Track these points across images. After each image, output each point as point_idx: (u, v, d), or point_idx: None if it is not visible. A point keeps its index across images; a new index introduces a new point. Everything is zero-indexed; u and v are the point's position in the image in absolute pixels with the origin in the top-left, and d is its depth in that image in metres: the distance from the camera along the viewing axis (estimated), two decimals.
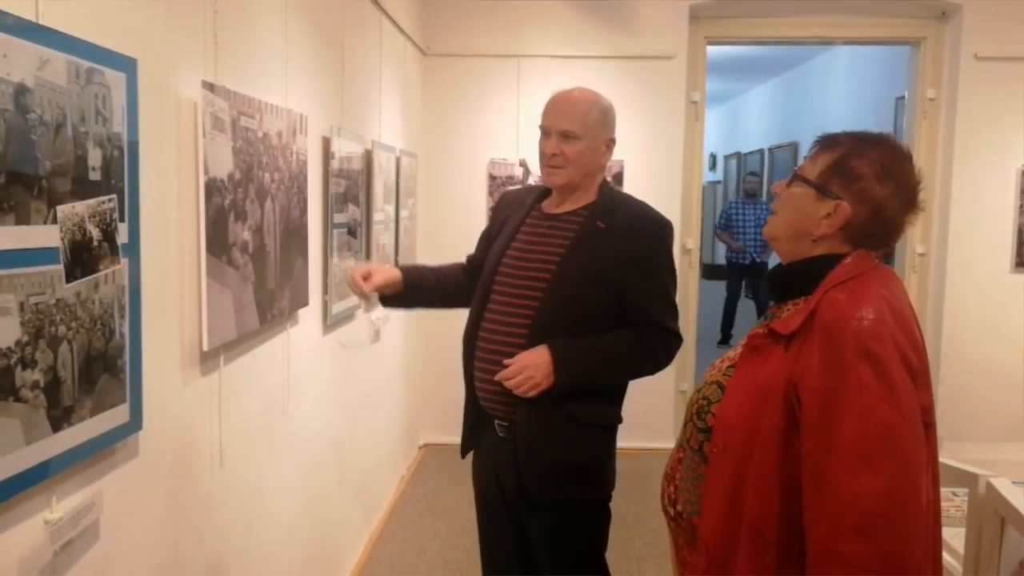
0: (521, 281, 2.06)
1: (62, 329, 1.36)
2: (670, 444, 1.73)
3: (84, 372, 1.43)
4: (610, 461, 2.12)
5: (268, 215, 2.31)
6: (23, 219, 1.26)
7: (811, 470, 1.27)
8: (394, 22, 4.05)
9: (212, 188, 1.92)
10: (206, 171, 1.88)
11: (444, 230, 4.80)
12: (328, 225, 2.95)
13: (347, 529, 3.41)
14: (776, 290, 1.52)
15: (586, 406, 2.03)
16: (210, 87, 1.89)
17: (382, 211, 3.76)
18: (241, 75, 2.16)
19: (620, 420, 2.14)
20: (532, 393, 1.96)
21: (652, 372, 2.08)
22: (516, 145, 4.83)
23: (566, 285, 2.00)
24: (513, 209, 2.24)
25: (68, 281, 1.37)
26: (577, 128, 2.02)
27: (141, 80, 1.64)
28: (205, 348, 1.91)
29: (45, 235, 1.31)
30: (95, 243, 1.45)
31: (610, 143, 2.10)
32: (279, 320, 2.47)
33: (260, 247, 2.25)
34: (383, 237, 3.81)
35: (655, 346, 2.05)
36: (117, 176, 1.52)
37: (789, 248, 1.49)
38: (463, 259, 2.39)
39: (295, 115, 2.50)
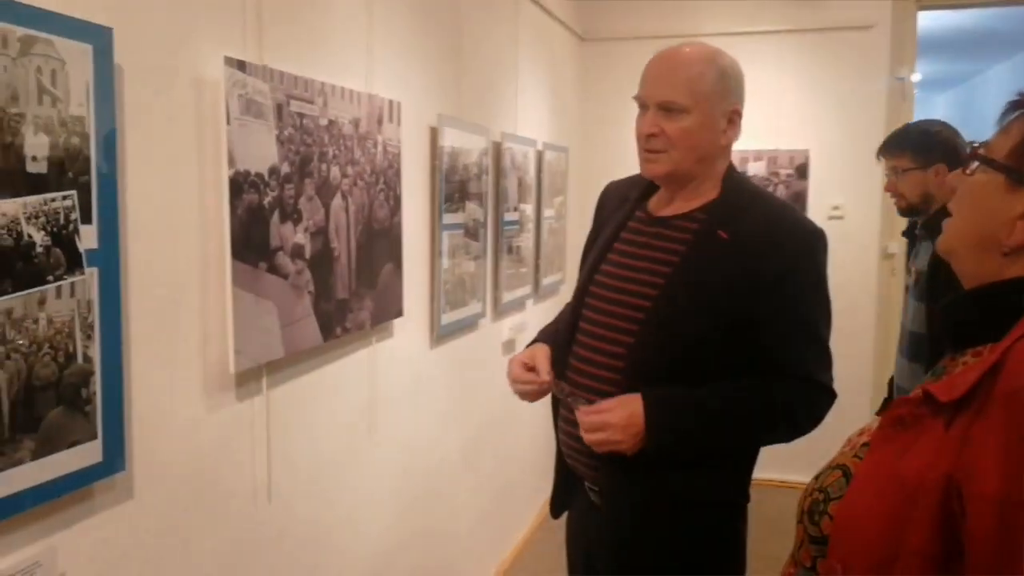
0: (614, 307, 1.57)
1: None
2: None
3: (22, 405, 1.18)
4: (734, 550, 1.58)
5: (337, 215, 2.01)
6: None
7: None
8: (540, 4, 3.67)
9: (242, 184, 1.64)
10: (232, 163, 1.60)
11: None
12: (436, 226, 2.63)
13: (460, 570, 3.09)
14: (950, 332, 0.96)
15: (695, 477, 1.51)
16: (238, 65, 1.61)
17: (516, 211, 3.40)
18: (297, 53, 1.87)
19: (747, 498, 1.59)
20: (614, 451, 1.49)
21: (789, 439, 1.52)
22: None
23: (672, 315, 1.49)
24: (614, 207, 1.75)
25: None
26: (682, 97, 1.49)
27: (134, 55, 1.38)
28: (232, 370, 1.64)
29: None
30: (38, 249, 1.19)
31: (734, 116, 1.54)
32: (358, 334, 2.17)
33: (324, 251, 1.95)
34: (519, 239, 3.45)
35: (795, 406, 1.50)
36: (78, 169, 1.26)
37: (971, 266, 0.94)
38: None
39: (380, 101, 2.19)
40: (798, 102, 4.11)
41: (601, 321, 1.58)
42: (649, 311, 1.50)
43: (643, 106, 1.56)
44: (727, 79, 1.53)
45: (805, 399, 1.50)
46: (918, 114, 4.04)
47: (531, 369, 1.63)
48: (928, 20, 4.40)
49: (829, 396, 1.52)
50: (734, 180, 1.59)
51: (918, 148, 2.46)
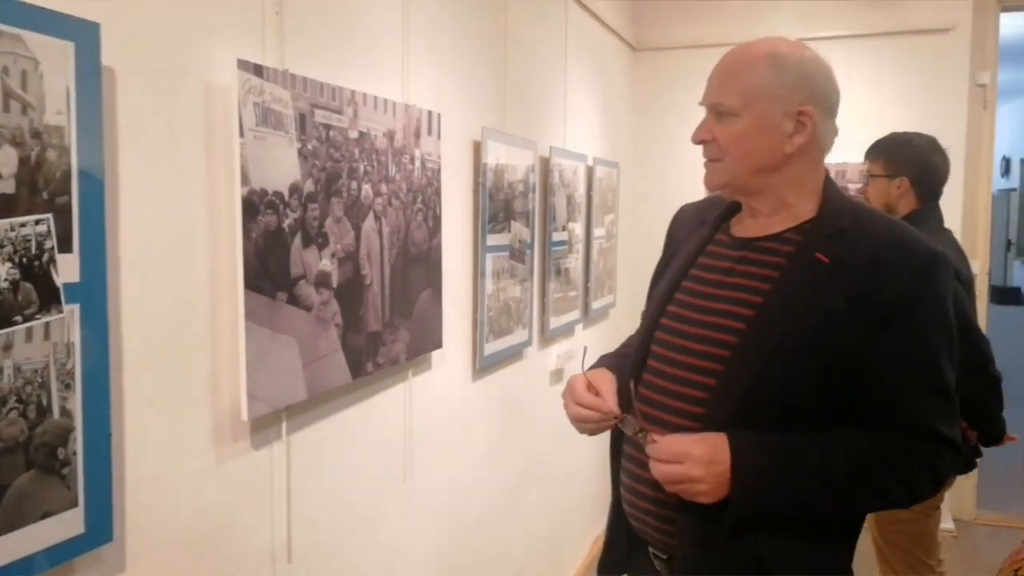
0: (692, 343, 1.33)
1: None
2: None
3: None
4: None
5: (369, 238, 1.80)
6: None
7: None
8: (591, 12, 3.45)
9: (258, 204, 1.44)
10: (245, 181, 1.40)
11: (654, 252, 4.11)
12: (479, 248, 2.41)
13: None
14: None
15: (790, 545, 1.25)
16: (254, 69, 1.41)
17: (564, 230, 3.16)
18: (323, 58, 1.68)
19: (849, 572, 1.32)
20: (689, 493, 1.23)
21: (904, 503, 1.26)
22: None
23: (763, 353, 1.24)
24: (690, 230, 1.51)
25: None
26: (731, 98, 1.28)
27: (129, 55, 1.19)
28: (244, 417, 1.43)
29: None
30: (3, 284, 1.00)
31: (802, 116, 1.27)
32: (392, 369, 1.96)
33: (353, 279, 1.74)
34: (567, 261, 3.22)
35: (912, 464, 1.24)
36: (55, 187, 1.06)
37: None
38: None
39: (418, 112, 1.99)
40: (869, 111, 3.81)
41: (676, 360, 1.34)
42: (736, 348, 1.26)
43: (707, 111, 1.34)
44: (788, 74, 1.27)
45: (926, 457, 1.24)
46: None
47: (595, 395, 1.39)
48: (1007, 26, 4.06)
49: (954, 453, 1.25)
50: (834, 196, 1.34)
51: (890, 157, 2.44)
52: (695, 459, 1.21)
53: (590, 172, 3.46)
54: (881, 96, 3.88)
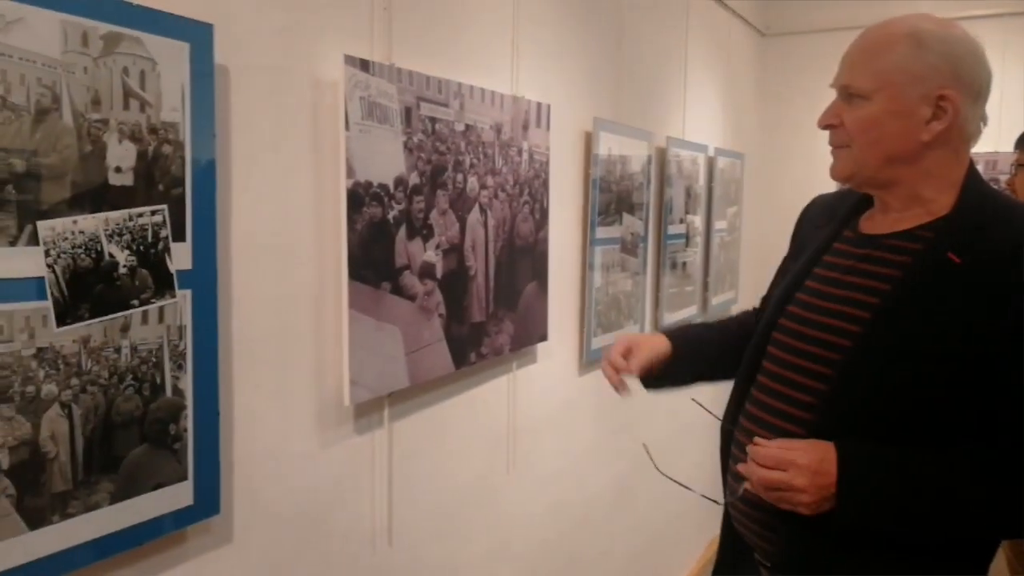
0: (805, 344, 1.25)
1: (49, 388, 1.00)
2: None
3: (99, 444, 1.06)
4: None
5: (474, 230, 1.82)
6: None
7: None
8: None
9: (362, 196, 1.48)
10: (350, 173, 1.45)
11: (781, 246, 3.94)
12: (587, 240, 2.39)
13: None
14: None
15: (905, 567, 1.16)
16: (360, 64, 1.45)
17: (682, 223, 3.09)
18: (431, 52, 1.70)
19: None
20: (788, 503, 1.16)
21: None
22: None
23: (877, 360, 1.15)
24: (818, 224, 1.42)
25: (61, 324, 1.01)
26: (861, 79, 1.18)
27: (241, 54, 1.25)
28: (346, 402, 1.48)
29: (10, 261, 0.95)
30: (121, 270, 1.07)
31: (942, 101, 1.15)
32: (495, 360, 1.97)
33: (457, 270, 1.77)
34: (685, 255, 3.14)
35: None
36: (170, 180, 1.13)
37: None
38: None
39: (526, 104, 1.98)
40: None
41: (789, 361, 1.27)
42: (850, 351, 1.18)
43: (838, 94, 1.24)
44: (929, 54, 1.15)
45: None
46: None
47: (625, 356, 1.42)
48: None
49: None
50: (976, 190, 1.21)
51: None
52: (800, 468, 1.13)
53: (711, 163, 3.36)
54: None
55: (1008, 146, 3.80)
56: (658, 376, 1.48)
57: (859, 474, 1.12)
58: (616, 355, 1.43)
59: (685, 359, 1.49)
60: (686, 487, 1.33)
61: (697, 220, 3.25)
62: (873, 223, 1.29)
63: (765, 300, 1.53)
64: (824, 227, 1.39)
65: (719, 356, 1.53)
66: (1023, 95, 3.46)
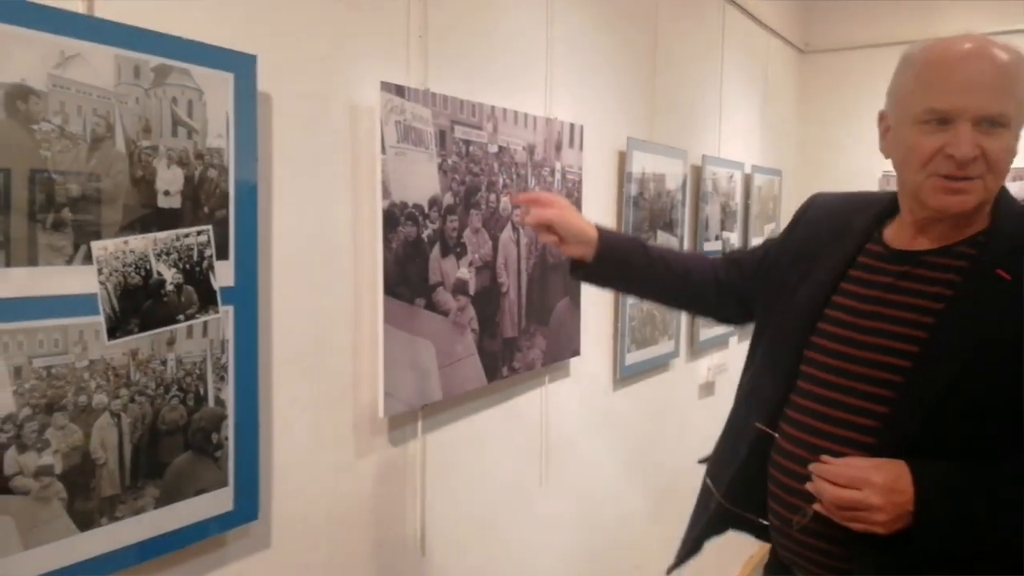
0: (857, 367, 1.22)
1: (100, 398, 1.07)
2: None
3: (146, 451, 1.13)
4: None
5: (507, 248, 1.87)
6: (20, 259, 0.98)
7: None
8: (751, 16, 3.36)
9: (398, 215, 1.54)
10: (386, 195, 1.50)
11: None
12: None
13: None
14: None
15: None
16: (396, 90, 1.51)
17: (718, 239, 3.10)
18: (466, 76, 1.76)
19: None
20: (864, 522, 1.14)
21: None
22: None
23: (941, 379, 1.14)
24: (829, 236, 1.38)
25: (112, 337, 1.07)
26: (1009, 107, 1.14)
27: (283, 82, 1.32)
28: (380, 414, 1.53)
29: (66, 279, 1.03)
30: (168, 287, 1.14)
31: None
32: (528, 374, 2.01)
33: (490, 287, 1.81)
34: None
35: None
36: (215, 202, 1.20)
37: None
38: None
39: (559, 125, 2.03)
40: None
41: (839, 384, 1.24)
42: (910, 373, 1.17)
43: (945, 120, 1.15)
44: None
45: None
46: None
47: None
48: None
49: None
50: (1008, 206, 1.22)
51: None
52: (875, 487, 1.11)
53: (748, 180, 3.37)
54: None
55: None
56: (579, 264, 1.51)
57: (936, 491, 1.11)
58: (543, 208, 1.46)
59: (608, 264, 1.50)
60: (754, 519, 1.30)
61: (733, 237, 3.26)
62: (905, 238, 1.27)
63: (738, 259, 1.57)
64: (840, 240, 1.35)
65: (653, 286, 1.59)
66: None
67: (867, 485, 1.11)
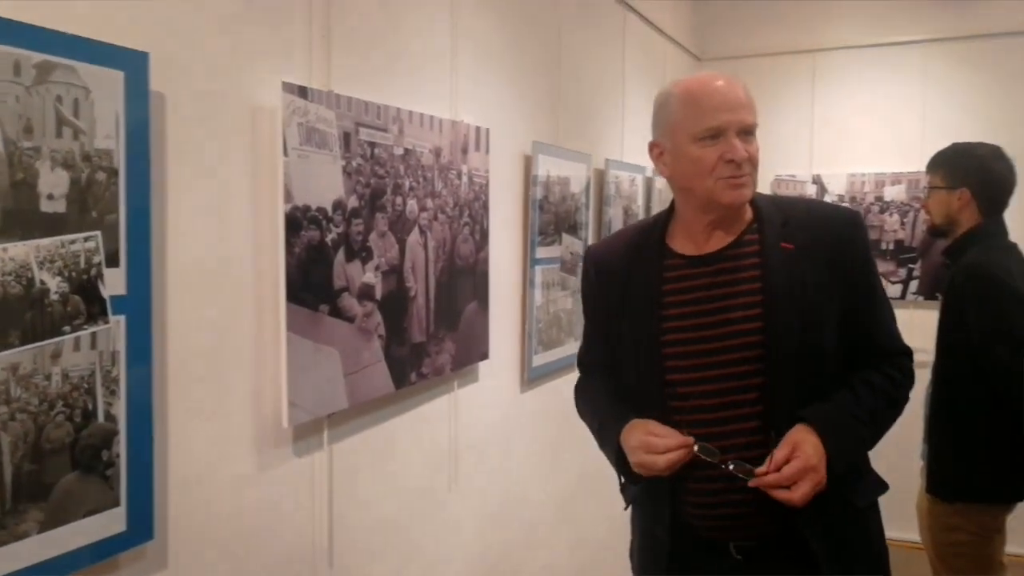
0: (721, 356, 1.43)
1: None
2: None
3: (28, 472, 1.06)
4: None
5: (414, 251, 1.85)
6: None
7: None
8: (651, 23, 3.44)
9: (301, 219, 1.50)
10: (288, 198, 1.46)
11: None
12: (528, 260, 2.44)
13: None
14: None
15: (861, 485, 1.50)
16: (298, 91, 1.47)
17: None
18: (370, 78, 1.73)
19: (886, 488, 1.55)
20: (816, 489, 1.37)
21: (901, 411, 1.52)
22: (809, 158, 3.93)
23: (792, 340, 1.41)
24: (624, 267, 1.53)
25: None
26: (756, 118, 1.45)
27: (179, 82, 1.26)
28: (285, 424, 1.49)
29: None
30: (53, 297, 1.07)
31: None
32: (436, 380, 2.00)
33: (397, 291, 1.79)
34: None
35: (905, 380, 1.51)
36: (104, 207, 1.13)
37: None
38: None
39: (465, 128, 2.03)
40: (947, 119, 3.67)
41: (711, 377, 1.44)
42: (768, 346, 1.41)
43: (717, 134, 1.39)
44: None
45: (908, 371, 1.51)
46: None
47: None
48: None
49: (911, 359, 1.53)
50: (760, 195, 1.52)
51: (950, 167, 2.34)
52: (816, 468, 1.34)
53: (649, 183, 3.45)
54: (958, 105, 3.73)
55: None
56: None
57: (838, 440, 1.38)
58: (662, 441, 1.42)
59: None
60: (742, 475, 1.38)
61: None
62: (694, 245, 1.48)
63: (600, 362, 1.66)
64: (638, 263, 1.52)
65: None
66: (942, 120, 3.63)
67: (811, 470, 1.34)
